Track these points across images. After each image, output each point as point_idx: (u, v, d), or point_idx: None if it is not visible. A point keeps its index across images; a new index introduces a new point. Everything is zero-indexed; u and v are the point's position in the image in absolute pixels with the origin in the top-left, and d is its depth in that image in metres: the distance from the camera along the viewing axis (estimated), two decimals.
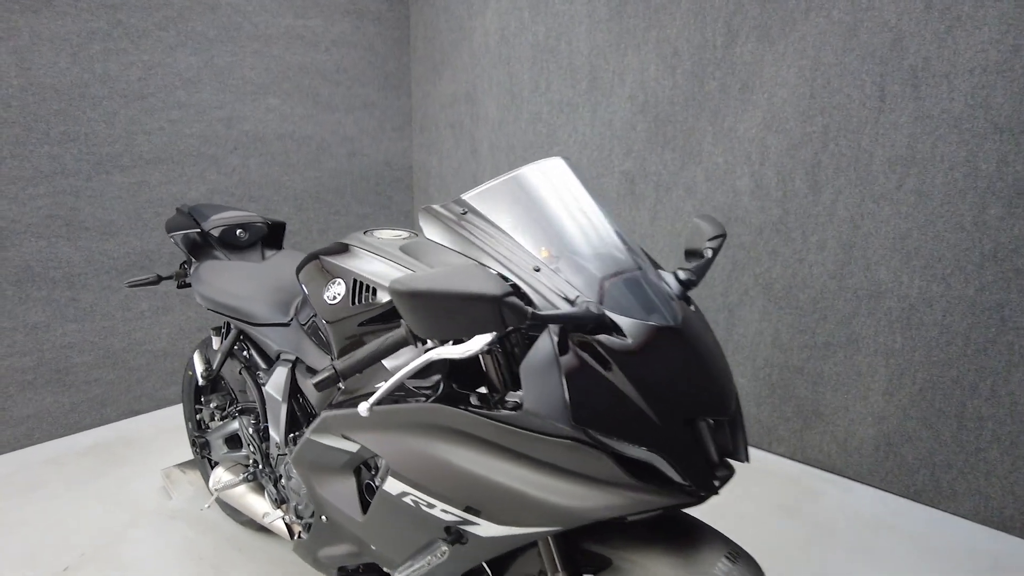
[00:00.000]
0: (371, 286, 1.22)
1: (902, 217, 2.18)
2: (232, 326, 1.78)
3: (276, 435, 1.56)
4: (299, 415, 1.55)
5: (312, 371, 1.47)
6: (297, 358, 1.53)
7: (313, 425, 1.28)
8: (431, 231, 1.08)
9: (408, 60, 3.67)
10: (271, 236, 2.00)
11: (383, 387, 0.98)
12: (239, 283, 1.72)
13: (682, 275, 1.11)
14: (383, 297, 1.19)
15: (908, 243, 2.18)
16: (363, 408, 0.97)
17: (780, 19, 2.33)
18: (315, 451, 1.31)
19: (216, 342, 1.82)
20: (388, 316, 1.20)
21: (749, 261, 2.55)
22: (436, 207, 1.10)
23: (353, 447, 1.23)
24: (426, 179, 3.74)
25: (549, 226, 1.03)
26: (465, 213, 1.06)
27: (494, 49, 3.23)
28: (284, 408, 1.53)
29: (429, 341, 1.06)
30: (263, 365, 1.68)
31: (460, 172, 3.53)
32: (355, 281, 1.25)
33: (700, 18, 2.51)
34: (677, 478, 0.90)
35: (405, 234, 1.40)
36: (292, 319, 1.57)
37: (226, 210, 1.96)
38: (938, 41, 2.04)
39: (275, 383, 1.55)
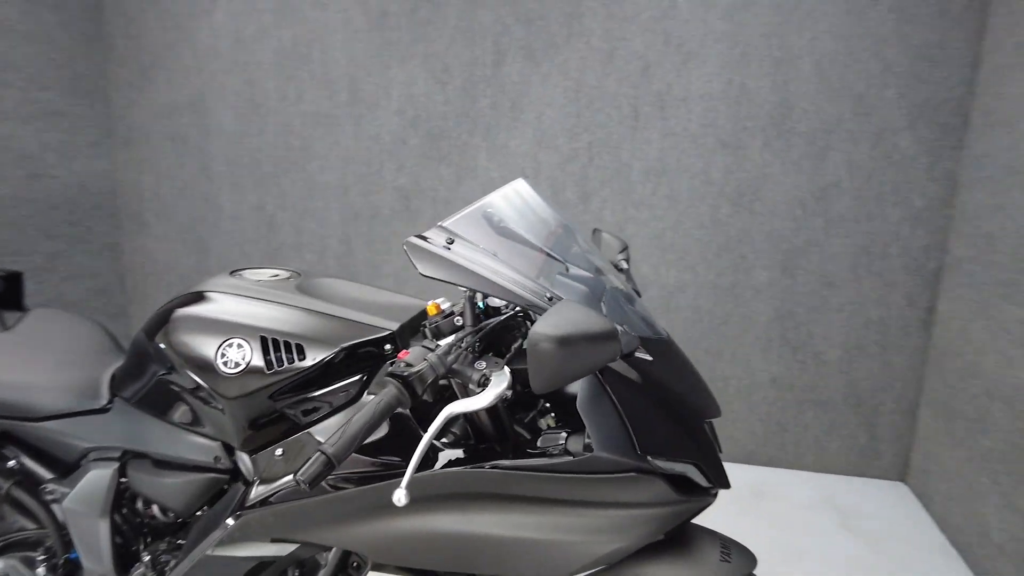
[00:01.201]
0: (292, 344, 0.96)
1: (657, 219, 2.53)
2: None
3: (95, 566, 1.12)
4: (131, 533, 1.14)
5: (165, 465, 1.09)
6: (127, 452, 1.12)
7: (215, 537, 0.95)
8: (424, 266, 0.89)
9: (103, 60, 3.00)
10: (4, 293, 1.44)
11: (413, 462, 0.77)
12: (10, 370, 1.20)
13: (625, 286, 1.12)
14: (315, 356, 0.96)
15: (663, 241, 2.54)
16: (401, 496, 0.74)
17: (544, 43, 2.52)
18: (217, 570, 0.98)
19: None
20: (314, 381, 0.96)
21: None
22: (416, 240, 0.91)
23: (284, 550, 0.95)
24: (138, 203, 3.09)
25: (538, 249, 0.95)
26: (452, 241, 0.91)
27: (227, 53, 2.84)
28: (105, 527, 1.11)
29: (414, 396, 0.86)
30: (48, 475, 1.19)
31: (188, 192, 3.01)
32: (267, 340, 0.97)
33: (468, 36, 2.58)
34: (705, 483, 0.90)
35: (285, 272, 1.14)
36: (111, 400, 1.15)
37: None
38: (676, 71, 2.43)
39: (85, 495, 1.11)
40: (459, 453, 0.93)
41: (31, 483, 1.20)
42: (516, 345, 0.96)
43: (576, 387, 0.97)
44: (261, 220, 2.94)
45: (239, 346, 0.97)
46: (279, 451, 0.97)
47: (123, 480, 1.13)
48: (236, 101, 2.87)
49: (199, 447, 1.05)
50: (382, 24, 2.65)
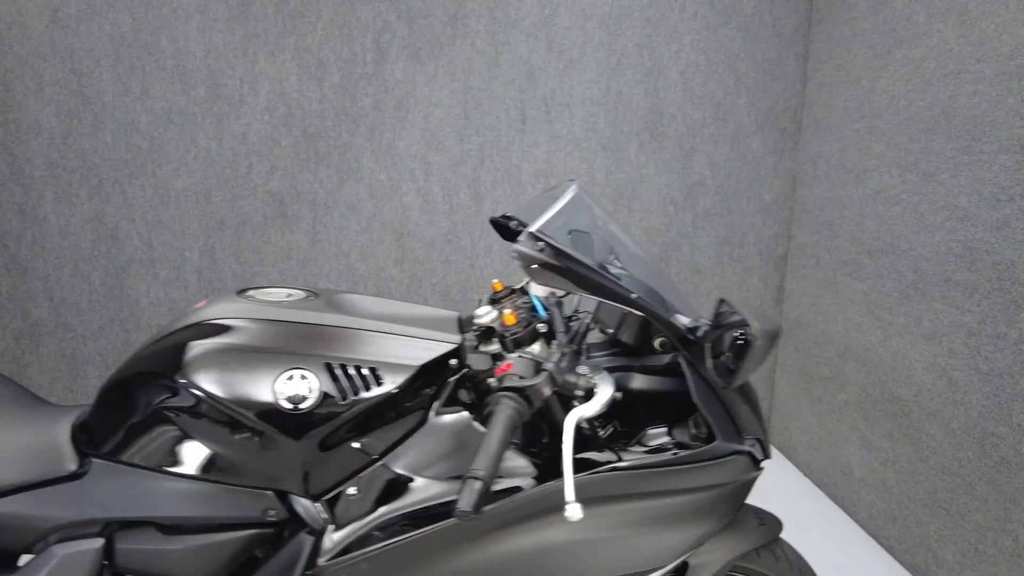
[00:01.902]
0: (364, 368, 0.87)
1: None
2: None
3: None
4: None
5: (177, 530, 0.91)
6: (110, 523, 0.92)
7: None
8: (538, 276, 0.87)
9: None
10: None
11: (567, 473, 0.75)
12: None
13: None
14: (393, 378, 0.87)
15: None
16: (576, 511, 0.71)
17: (428, 42, 2.47)
18: None
19: None
20: (387, 407, 0.89)
21: (425, 273, 2.64)
22: (521, 247, 0.87)
23: None
24: None
25: (615, 250, 0.96)
26: (544, 247, 0.88)
27: (41, 35, 2.38)
28: None
29: (522, 405, 0.84)
30: None
31: None
32: (332, 367, 0.86)
33: (346, 31, 2.44)
34: (761, 455, 0.99)
35: (299, 291, 1.02)
36: (83, 461, 0.93)
37: None
38: (559, 77, 2.53)
39: None
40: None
41: None
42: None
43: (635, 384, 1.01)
44: (101, 234, 2.51)
45: (302, 378, 0.86)
46: (352, 490, 0.88)
47: (104, 562, 0.93)
48: (58, 93, 2.42)
49: (238, 500, 0.90)
50: (245, 14, 2.41)
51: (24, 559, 1.00)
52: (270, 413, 0.85)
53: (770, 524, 1.12)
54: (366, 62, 2.47)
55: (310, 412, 0.85)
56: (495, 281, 1.12)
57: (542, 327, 0.92)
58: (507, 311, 0.92)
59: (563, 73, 2.53)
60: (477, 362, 0.97)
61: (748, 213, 2.68)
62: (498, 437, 0.73)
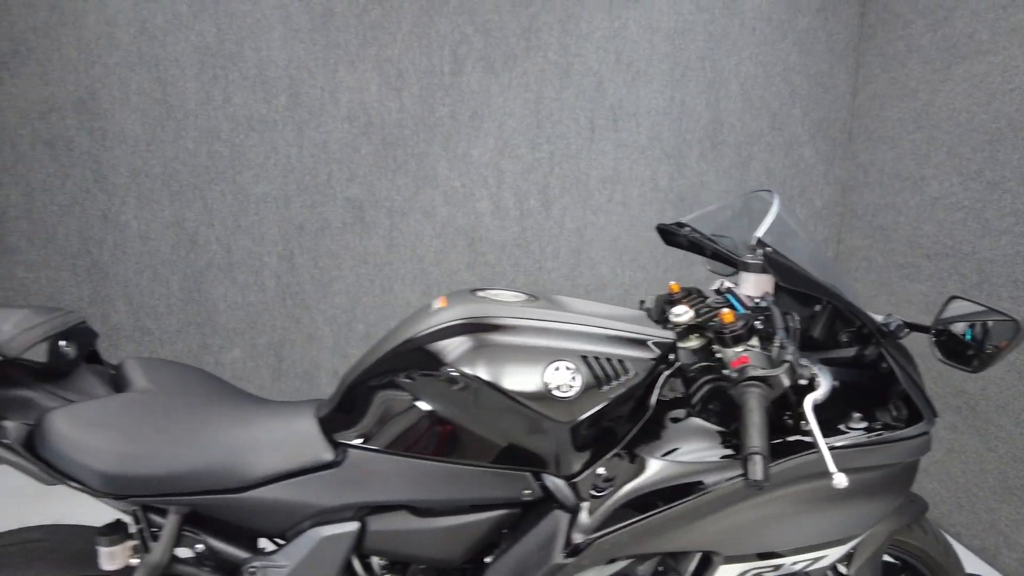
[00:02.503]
0: (615, 360, 0.98)
1: (613, 224, 2.74)
2: (171, 512, 0.98)
3: None
4: None
5: (430, 512, 1.00)
6: (362, 507, 1.00)
7: (551, 569, 0.93)
8: (783, 277, 1.01)
9: None
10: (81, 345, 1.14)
11: (824, 450, 0.86)
12: (189, 432, 0.99)
13: None
14: (637, 369, 0.98)
15: (619, 244, 2.75)
16: (842, 479, 0.83)
17: (503, 54, 2.57)
18: None
19: (118, 552, 0.96)
20: (629, 396, 0.99)
21: (495, 276, 2.73)
22: (751, 258, 0.99)
23: (624, 566, 0.97)
24: (0, 224, 2.49)
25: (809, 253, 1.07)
26: (767, 250, 0.99)
27: (128, 45, 2.43)
28: None
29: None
30: (243, 555, 1.01)
31: (76, 209, 2.51)
32: (588, 359, 0.97)
33: (425, 43, 2.53)
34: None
35: (522, 294, 1.11)
36: (339, 452, 1.00)
37: None
38: (627, 87, 2.64)
39: (314, 564, 0.98)
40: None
41: (223, 568, 1.02)
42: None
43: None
44: (180, 239, 2.57)
45: (567, 368, 0.95)
46: (601, 470, 0.98)
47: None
48: (142, 102, 2.47)
49: (496, 481, 0.99)
50: (327, 24, 2.48)
51: (262, 543, 1.08)
52: (544, 400, 0.94)
53: (918, 501, 1.24)
54: (443, 73, 2.56)
55: (576, 398, 0.95)
56: (672, 283, 1.22)
57: (759, 324, 1.02)
58: (725, 310, 1.02)
59: (630, 84, 2.64)
60: (683, 356, 1.08)
61: (800, 218, 2.82)
62: (759, 418, 0.84)
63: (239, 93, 2.50)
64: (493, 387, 0.94)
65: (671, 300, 1.22)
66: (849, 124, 2.77)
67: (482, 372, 0.94)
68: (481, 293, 1.10)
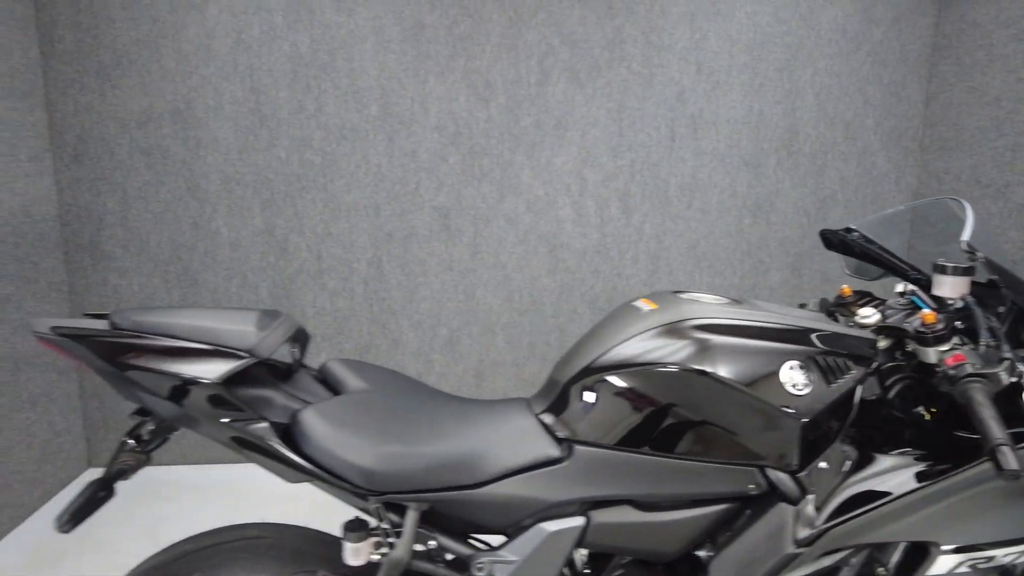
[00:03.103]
0: (837, 359, 1.02)
1: (692, 231, 2.78)
2: (410, 509, 1.02)
3: None
4: None
5: (654, 507, 1.04)
6: (585, 502, 1.04)
7: (781, 561, 0.97)
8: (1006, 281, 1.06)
9: (42, 56, 2.41)
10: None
11: None
12: (428, 430, 1.04)
13: None
14: (859, 366, 1.03)
15: (697, 250, 2.80)
16: None
17: (587, 65, 2.62)
18: None
19: (363, 548, 0.99)
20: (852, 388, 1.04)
21: (575, 282, 2.77)
22: (946, 261, 1.04)
23: (845, 556, 1.02)
24: (95, 231, 2.53)
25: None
26: (979, 254, 1.04)
27: (225, 55, 2.47)
28: None
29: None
30: (466, 551, 1.04)
31: (169, 216, 2.55)
32: (813, 357, 1.01)
33: (513, 54, 2.58)
34: None
35: (723, 297, 1.15)
36: (564, 448, 1.05)
37: (195, 312, 1.05)
38: (706, 97, 2.70)
39: (540, 560, 1.02)
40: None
41: (452, 565, 1.05)
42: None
43: None
44: (271, 246, 2.61)
45: (800, 367, 1.00)
46: (823, 464, 1.02)
47: None
48: (236, 111, 2.51)
49: (724, 476, 1.03)
50: (418, 36, 2.53)
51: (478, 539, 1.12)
52: (782, 396, 0.99)
53: None
54: (530, 84, 2.61)
55: (810, 395, 0.99)
56: (844, 287, 1.27)
57: (959, 324, 1.07)
58: (925, 311, 1.06)
59: (710, 94, 2.69)
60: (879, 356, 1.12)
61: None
62: (993, 410, 0.89)
63: (331, 103, 2.55)
64: (731, 385, 0.98)
65: (843, 303, 1.27)
66: (921, 133, 2.82)
67: (721, 370, 0.99)
68: (685, 295, 1.14)
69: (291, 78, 2.52)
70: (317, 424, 0.98)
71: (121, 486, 2.55)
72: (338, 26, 2.50)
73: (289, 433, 1.00)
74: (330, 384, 1.16)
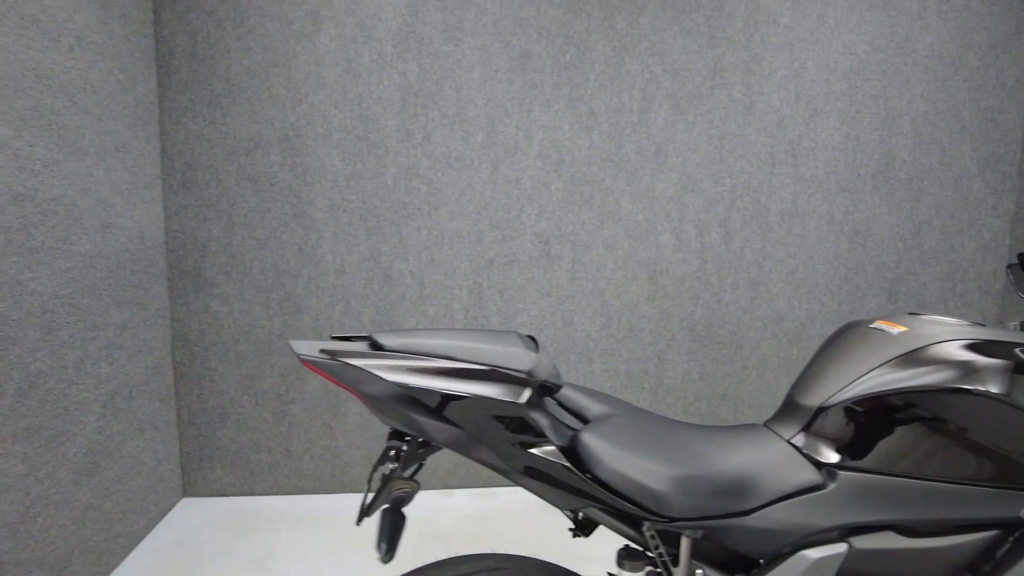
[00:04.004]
0: None
1: (791, 256, 2.77)
2: (684, 537, 1.00)
3: None
4: None
5: (916, 532, 1.01)
6: (848, 529, 1.01)
7: None
8: None
9: (154, 84, 2.44)
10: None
11: None
12: (700, 457, 1.01)
13: None
14: None
15: (796, 276, 2.78)
16: None
17: (688, 92, 2.64)
18: None
19: None
20: None
21: (674, 308, 2.75)
22: None
23: None
24: (198, 257, 2.53)
25: None
26: None
27: (334, 84, 2.50)
28: None
29: None
30: None
31: (273, 243, 2.55)
32: None
33: (616, 82, 2.60)
34: None
35: (961, 320, 1.13)
36: (824, 473, 1.02)
37: (455, 333, 1.03)
38: (805, 124, 2.71)
39: None
40: None
41: None
42: None
43: None
44: (375, 272, 2.60)
45: None
46: None
47: None
48: (344, 139, 2.53)
49: (994, 501, 1.00)
50: (524, 66, 2.56)
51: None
52: None
53: None
54: (632, 111, 2.62)
55: None
56: None
57: None
58: None
59: (809, 121, 2.71)
60: None
61: (969, 251, 2.86)
62: None
63: (438, 131, 2.56)
64: (1010, 404, 0.96)
65: None
66: (1019, 157, 2.82)
67: (996, 389, 0.96)
68: (925, 317, 1.12)
69: (399, 106, 2.54)
70: (605, 447, 0.96)
71: (215, 518, 2.51)
72: (446, 55, 2.53)
73: (571, 456, 0.98)
74: (569, 408, 1.13)
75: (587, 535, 1.23)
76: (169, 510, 2.56)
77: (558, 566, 1.10)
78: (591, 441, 0.97)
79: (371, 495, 0.90)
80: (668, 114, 2.65)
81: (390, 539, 0.93)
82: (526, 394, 0.91)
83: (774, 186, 2.73)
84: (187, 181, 2.51)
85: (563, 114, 2.60)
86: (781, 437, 1.08)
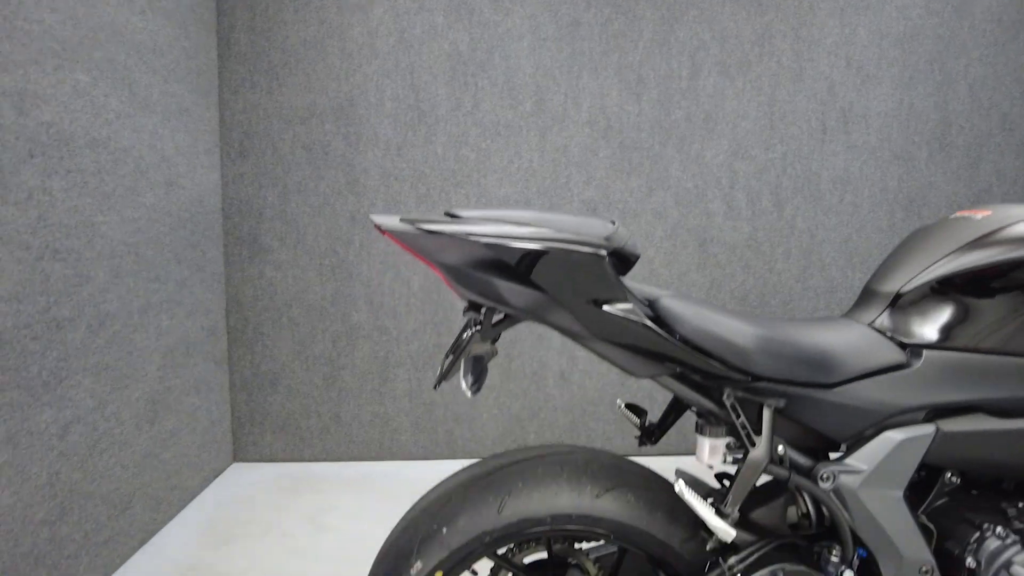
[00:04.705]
0: None
1: (844, 225, 2.72)
2: (766, 408, 0.99)
3: (895, 567, 0.96)
4: (950, 517, 1.02)
5: (987, 411, 0.98)
6: (935, 410, 0.99)
7: None
8: None
9: (215, 54, 2.53)
10: None
11: None
12: (780, 326, 1.01)
13: None
14: None
15: (849, 245, 2.73)
16: None
17: (738, 59, 2.63)
18: None
19: (719, 445, 0.96)
20: None
21: (725, 277, 2.72)
22: None
23: None
24: (254, 224, 2.59)
25: None
26: None
27: (387, 54, 2.56)
28: (907, 511, 0.97)
29: None
30: (807, 461, 0.99)
31: (327, 210, 2.60)
32: None
33: (665, 49, 2.60)
34: None
35: None
36: (909, 352, 1.00)
37: (527, 210, 1.04)
38: (857, 90, 2.67)
39: (884, 472, 0.96)
40: None
41: (797, 471, 0.99)
42: None
43: None
44: None
45: None
46: None
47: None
48: (396, 108, 2.58)
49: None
50: (573, 34, 2.58)
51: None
52: None
53: None
54: (681, 78, 2.62)
55: None
56: None
57: None
58: None
59: (860, 87, 2.67)
60: None
61: None
62: None
63: (488, 100, 2.60)
64: None
65: None
66: None
67: None
68: (1007, 204, 1.09)
69: (450, 76, 2.58)
70: (688, 307, 0.95)
71: (266, 480, 2.54)
72: (496, 24, 2.57)
73: (652, 319, 0.97)
74: (639, 298, 1.12)
75: (654, 443, 1.22)
76: (221, 472, 2.60)
77: (627, 458, 1.09)
78: (672, 303, 0.96)
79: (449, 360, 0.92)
80: (717, 81, 2.64)
81: (476, 374, 0.93)
82: (607, 248, 0.91)
83: (825, 153, 2.69)
84: (244, 150, 2.58)
85: (611, 81, 2.61)
86: (860, 323, 1.06)
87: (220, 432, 2.58)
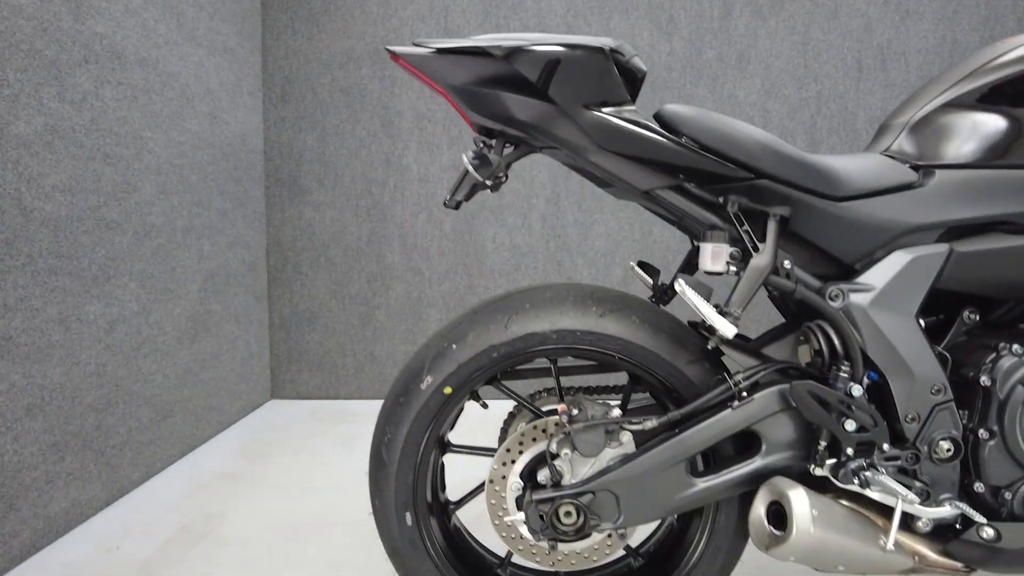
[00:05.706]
0: None
1: None
2: (771, 218, 1.00)
3: (906, 384, 0.96)
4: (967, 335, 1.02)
5: (1007, 230, 0.96)
6: (950, 231, 0.98)
7: None
8: None
9: (258, 2, 2.65)
10: None
11: None
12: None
13: None
14: None
15: None
16: None
17: None
18: None
19: (722, 251, 0.97)
20: None
21: None
22: None
23: None
24: (294, 166, 2.69)
25: None
26: None
27: None
28: (919, 330, 0.97)
29: None
30: (815, 282, 1.00)
31: (363, 153, 2.68)
32: None
33: None
34: None
35: None
36: (921, 172, 1.00)
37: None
38: (895, 27, 2.62)
39: (894, 291, 0.96)
40: None
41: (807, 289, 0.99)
42: None
43: None
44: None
45: None
46: None
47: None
48: None
49: None
50: None
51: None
52: None
53: None
54: (713, 17, 2.62)
55: None
56: None
57: None
58: None
59: (899, 24, 2.62)
60: None
61: None
62: None
63: None
64: None
65: None
66: None
67: None
68: None
69: (482, 18, 2.64)
70: (691, 109, 0.96)
71: (312, 415, 2.61)
72: None
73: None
74: None
75: (666, 303, 1.23)
76: (259, 406, 2.69)
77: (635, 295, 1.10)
78: (676, 107, 0.97)
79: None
80: (749, 20, 2.62)
81: (459, 189, 0.98)
82: (610, 47, 0.93)
83: (862, 91, 2.64)
84: (285, 94, 2.68)
85: (642, 21, 2.63)
86: (874, 152, 1.05)
87: (259, 367, 2.67)
